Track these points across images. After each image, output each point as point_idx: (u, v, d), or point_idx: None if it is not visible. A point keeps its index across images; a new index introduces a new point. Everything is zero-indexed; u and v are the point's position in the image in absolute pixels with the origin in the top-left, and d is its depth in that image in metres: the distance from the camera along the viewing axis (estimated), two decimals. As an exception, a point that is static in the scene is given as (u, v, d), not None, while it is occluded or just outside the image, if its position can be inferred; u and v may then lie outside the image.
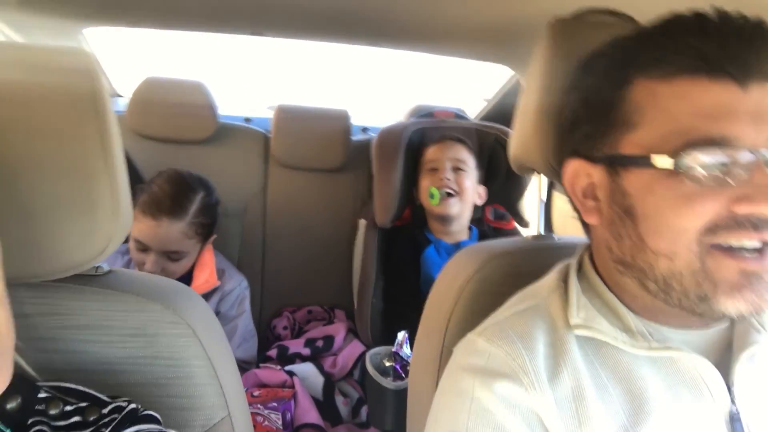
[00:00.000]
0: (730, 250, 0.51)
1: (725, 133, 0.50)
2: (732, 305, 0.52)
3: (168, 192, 1.47)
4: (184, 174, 1.56)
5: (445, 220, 1.63)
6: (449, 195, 1.58)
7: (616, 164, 0.57)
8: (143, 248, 1.45)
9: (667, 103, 0.53)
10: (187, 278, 1.56)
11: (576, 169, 0.62)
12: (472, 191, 1.64)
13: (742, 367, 0.58)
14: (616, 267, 0.60)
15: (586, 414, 0.56)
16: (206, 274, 1.56)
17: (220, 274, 1.61)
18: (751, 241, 0.51)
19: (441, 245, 1.64)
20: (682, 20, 0.54)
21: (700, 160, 0.50)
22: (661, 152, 0.52)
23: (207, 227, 1.56)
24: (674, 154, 0.51)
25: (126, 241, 1.59)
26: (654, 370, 0.58)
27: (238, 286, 1.66)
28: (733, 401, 0.57)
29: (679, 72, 0.52)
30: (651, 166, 0.52)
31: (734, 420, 0.56)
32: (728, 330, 0.61)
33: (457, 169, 1.62)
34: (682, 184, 0.51)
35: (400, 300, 1.61)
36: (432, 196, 1.58)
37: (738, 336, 0.60)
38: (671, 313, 0.58)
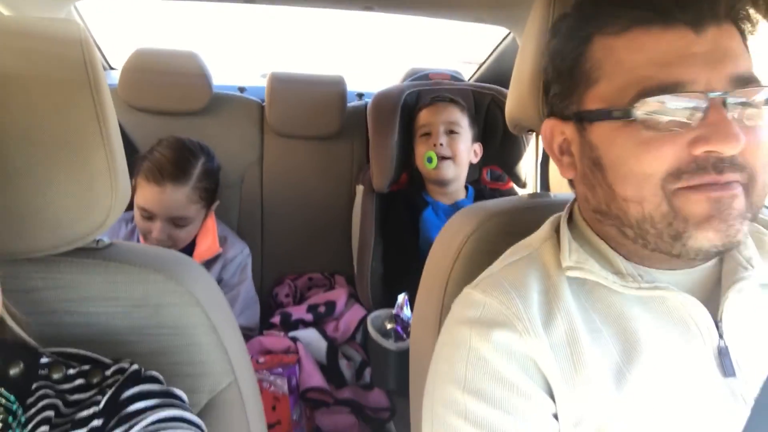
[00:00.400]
0: (694, 187, 0.53)
1: (678, 78, 0.52)
2: (704, 237, 0.53)
3: (170, 158, 1.47)
4: (184, 140, 1.55)
5: (441, 183, 1.64)
6: (443, 158, 1.58)
7: (582, 119, 0.59)
8: (149, 216, 1.46)
9: (623, 55, 0.55)
10: (190, 245, 1.58)
11: (551, 127, 0.65)
12: (467, 153, 1.64)
13: (729, 303, 0.60)
14: (595, 216, 0.63)
15: (581, 356, 0.58)
16: (209, 241, 1.58)
17: (222, 241, 1.62)
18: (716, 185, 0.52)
19: (439, 206, 1.65)
20: None
21: (655, 107, 0.52)
22: (619, 104, 0.54)
23: (210, 192, 1.56)
24: (630, 103, 0.53)
25: (129, 208, 1.60)
26: (644, 309, 0.60)
27: (240, 253, 1.67)
28: (721, 336, 0.59)
29: (632, 24, 0.54)
30: (611, 117, 0.55)
31: (723, 355, 0.58)
32: (716, 268, 0.63)
33: (450, 132, 1.61)
34: (640, 131, 0.53)
35: (400, 263, 1.63)
36: (429, 160, 1.58)
37: (725, 273, 0.62)
38: (656, 257, 0.59)
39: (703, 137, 0.51)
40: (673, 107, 0.52)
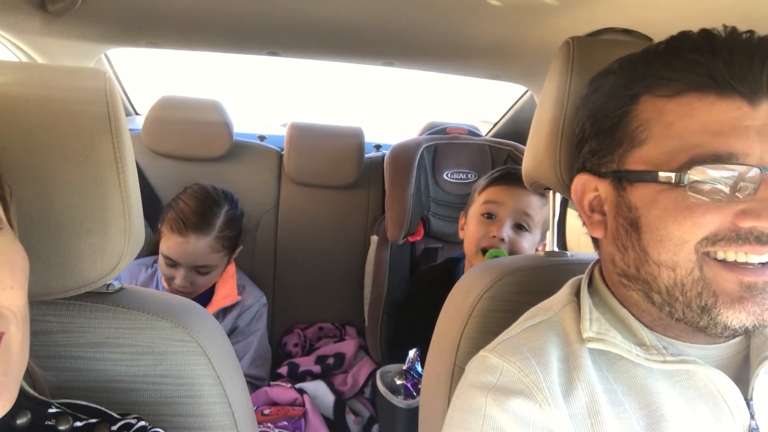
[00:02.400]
0: (726, 263, 0.52)
1: (732, 149, 0.51)
2: (734, 317, 0.52)
3: (194, 208, 1.50)
4: (208, 188, 1.59)
5: None
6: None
7: (622, 179, 0.58)
8: (172, 264, 1.48)
9: (674, 120, 0.54)
10: (209, 291, 1.59)
11: (584, 183, 0.63)
12: (531, 252, 1.33)
13: (760, 380, 0.57)
14: (621, 280, 0.61)
15: (602, 430, 0.55)
16: (228, 289, 1.60)
17: (241, 289, 1.64)
18: (757, 256, 0.51)
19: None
20: (689, 38, 0.55)
21: (705, 175, 0.51)
22: (667, 168, 0.53)
23: (233, 239, 1.58)
24: (679, 169, 0.52)
25: (152, 253, 1.62)
26: (670, 384, 0.58)
27: (257, 302, 1.68)
28: (752, 416, 0.56)
29: (686, 89, 0.53)
30: (656, 180, 0.53)
31: None
32: (744, 343, 0.60)
33: (519, 226, 1.31)
34: (685, 196, 0.52)
35: (414, 326, 1.46)
36: (483, 253, 1.31)
37: (755, 349, 0.59)
38: (681, 329, 0.57)
39: (754, 211, 0.50)
40: (723, 177, 0.51)
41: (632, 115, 0.57)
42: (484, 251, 1.31)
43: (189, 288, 1.50)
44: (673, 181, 0.52)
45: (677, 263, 0.53)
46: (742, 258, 0.51)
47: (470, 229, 1.36)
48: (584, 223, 0.65)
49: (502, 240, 1.28)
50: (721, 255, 0.52)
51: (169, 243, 1.47)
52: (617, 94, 0.59)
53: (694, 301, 0.53)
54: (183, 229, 1.46)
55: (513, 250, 1.28)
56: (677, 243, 0.52)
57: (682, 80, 0.53)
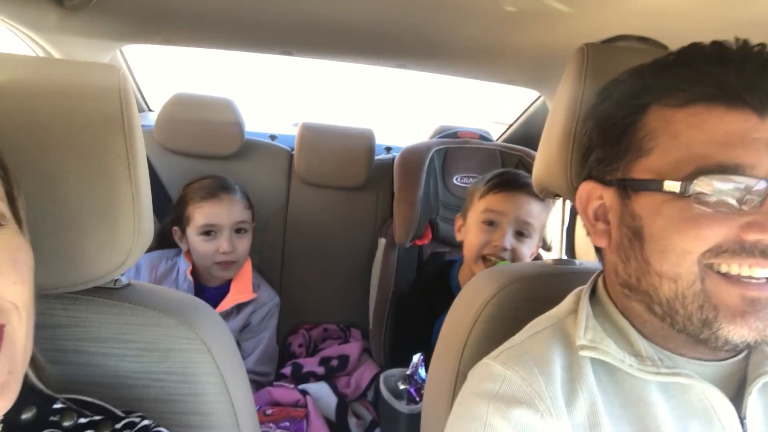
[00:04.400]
0: (728, 277, 0.51)
1: (739, 160, 0.50)
2: (736, 332, 0.51)
3: (212, 180, 1.62)
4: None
5: None
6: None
7: (627, 188, 0.57)
8: (213, 231, 1.56)
9: (681, 130, 0.53)
10: (225, 288, 1.63)
11: (589, 191, 0.63)
12: (530, 258, 1.36)
13: (753, 399, 0.56)
14: (623, 290, 0.60)
15: None
16: (244, 286, 1.64)
17: (256, 288, 1.68)
18: (762, 269, 0.50)
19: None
20: (700, 49, 0.55)
21: (711, 186, 0.50)
22: (673, 178, 0.52)
23: (252, 209, 1.68)
24: (685, 179, 0.51)
25: (170, 246, 1.66)
26: (665, 397, 0.57)
27: (271, 300, 1.72)
28: None
29: (695, 100, 0.53)
30: (661, 190, 0.53)
31: None
32: (744, 361, 0.60)
33: (519, 233, 1.32)
34: (690, 207, 0.51)
35: (418, 329, 1.46)
36: (486, 260, 1.31)
37: (752, 366, 0.58)
38: (682, 341, 0.57)
39: (759, 224, 0.49)
40: (729, 188, 0.50)
41: (640, 124, 0.56)
42: (484, 258, 1.32)
43: (233, 255, 1.57)
44: (678, 191, 0.51)
45: (679, 275, 0.52)
46: (746, 271, 0.51)
47: (471, 236, 1.36)
48: (588, 233, 0.65)
49: (505, 249, 1.28)
50: (724, 268, 0.51)
51: (205, 210, 1.55)
52: (626, 103, 0.59)
53: (695, 315, 0.52)
54: (214, 193, 1.57)
55: (514, 258, 1.30)
56: (680, 254, 0.52)
57: (692, 90, 0.53)
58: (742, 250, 0.50)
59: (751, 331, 0.51)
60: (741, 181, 0.50)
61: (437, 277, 1.51)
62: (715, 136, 0.51)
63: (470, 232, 1.37)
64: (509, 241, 1.29)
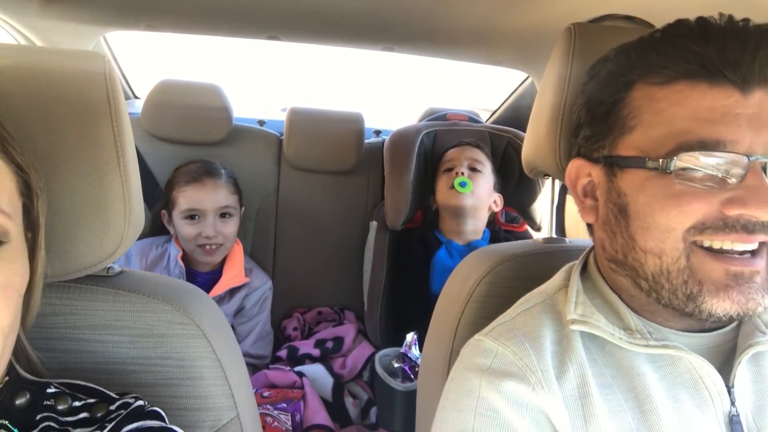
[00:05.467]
0: (712, 251, 0.52)
1: (720, 136, 0.50)
2: (719, 305, 0.52)
3: (198, 165, 1.63)
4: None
5: (459, 215, 1.62)
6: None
7: (613, 165, 0.58)
8: (197, 215, 1.56)
9: (664, 106, 0.54)
10: (217, 272, 1.64)
11: (577, 168, 0.64)
12: (487, 193, 1.64)
13: (742, 368, 0.58)
14: (610, 265, 0.61)
15: (592, 411, 0.56)
16: (236, 270, 1.65)
17: (248, 272, 1.69)
18: (743, 244, 0.51)
19: (452, 246, 1.64)
20: (684, 26, 0.55)
21: (693, 162, 0.51)
22: (655, 154, 0.53)
23: (239, 192, 1.69)
24: (667, 155, 0.52)
25: (160, 233, 1.67)
26: (653, 368, 0.58)
27: (264, 285, 1.74)
28: (733, 403, 0.57)
29: (677, 77, 0.53)
30: (645, 167, 0.54)
31: (734, 422, 0.56)
32: (734, 332, 0.61)
33: (473, 169, 1.64)
34: (672, 184, 0.52)
35: (411, 301, 1.61)
36: (463, 184, 1.59)
37: (742, 337, 0.60)
38: (669, 314, 0.58)
39: (740, 199, 0.50)
40: (710, 164, 0.51)
41: (625, 102, 0.57)
42: (452, 188, 1.61)
43: (219, 238, 1.57)
44: (659, 167, 0.52)
45: (663, 251, 0.53)
46: (728, 246, 0.51)
47: (439, 185, 1.68)
48: (578, 209, 0.66)
49: (463, 174, 1.61)
50: (707, 243, 0.52)
51: (189, 194, 1.56)
52: (612, 81, 0.59)
53: (679, 289, 0.53)
54: (198, 177, 1.58)
55: (473, 187, 1.60)
56: (663, 231, 0.53)
57: (674, 68, 0.53)
58: (724, 225, 0.51)
59: (733, 305, 0.52)
60: (722, 157, 0.50)
61: (423, 225, 1.77)
62: (697, 112, 0.52)
63: (438, 183, 1.68)
64: (464, 169, 1.62)
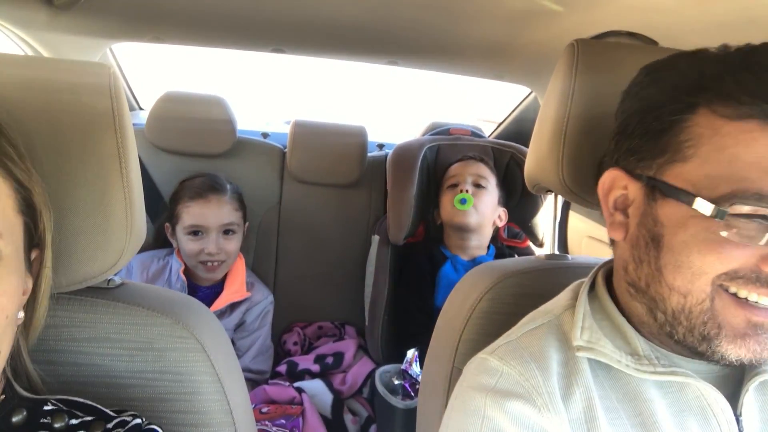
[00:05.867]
0: (737, 298, 0.50)
1: None
2: (733, 351, 0.51)
3: (203, 179, 1.63)
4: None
5: (463, 231, 1.62)
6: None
7: (656, 189, 0.54)
8: (200, 231, 1.56)
9: (728, 144, 0.49)
10: (219, 287, 1.63)
11: (614, 178, 0.60)
12: (491, 209, 1.64)
13: (749, 397, 0.57)
14: (628, 289, 0.59)
15: None
16: (237, 285, 1.64)
17: (249, 287, 1.69)
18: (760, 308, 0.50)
19: (458, 261, 1.63)
20: None
21: (743, 212, 0.48)
22: (707, 195, 0.49)
23: (244, 207, 1.69)
24: (718, 200, 0.49)
25: (163, 246, 1.67)
26: (661, 393, 0.57)
27: (265, 299, 1.72)
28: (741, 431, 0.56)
29: (750, 116, 0.49)
30: (691, 205, 0.50)
31: None
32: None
33: (477, 185, 1.63)
34: (716, 229, 0.49)
35: (412, 318, 1.60)
36: (463, 201, 1.58)
37: (749, 365, 0.58)
38: (680, 349, 0.57)
39: None
40: (761, 218, 0.48)
41: (685, 125, 0.52)
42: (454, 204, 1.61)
43: (221, 255, 1.57)
44: (709, 214, 0.49)
45: (690, 291, 0.52)
46: (754, 298, 0.50)
47: (443, 202, 1.67)
48: (607, 224, 0.63)
49: (467, 191, 1.60)
50: (734, 290, 0.50)
51: (193, 211, 1.55)
52: (676, 97, 0.54)
53: (697, 329, 0.52)
54: (203, 193, 1.57)
55: (477, 203, 1.60)
56: (696, 273, 0.51)
57: (749, 105, 0.48)
58: (757, 279, 0.49)
59: (748, 353, 0.51)
60: None
61: (426, 240, 1.77)
62: (762, 159, 0.48)
63: (442, 199, 1.68)
64: (469, 188, 1.62)
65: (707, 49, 0.55)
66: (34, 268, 0.55)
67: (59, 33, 1.50)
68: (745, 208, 0.48)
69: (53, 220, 0.57)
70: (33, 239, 0.54)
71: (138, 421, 0.56)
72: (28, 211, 0.52)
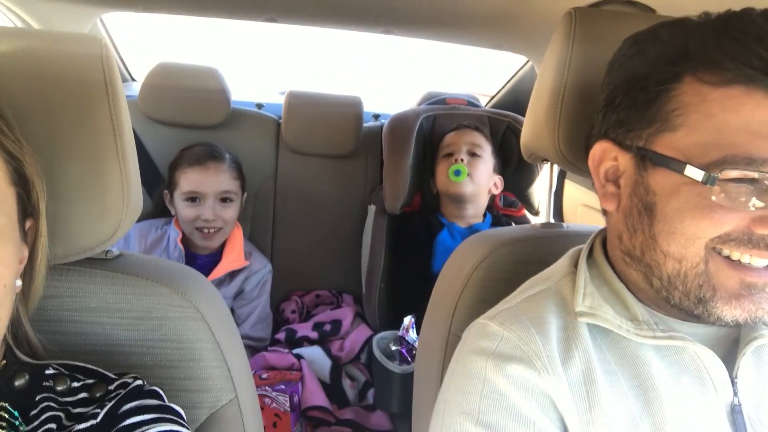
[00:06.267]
0: (730, 260, 0.51)
1: None
2: (729, 312, 0.52)
3: (203, 148, 1.65)
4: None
5: (459, 201, 1.63)
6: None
7: (646, 159, 0.55)
8: (197, 198, 1.57)
9: (715, 111, 0.50)
10: (217, 255, 1.65)
11: (604, 150, 0.60)
12: (487, 177, 1.65)
13: (746, 360, 0.58)
14: (623, 257, 0.60)
15: (596, 397, 0.56)
16: (235, 254, 1.66)
17: (248, 255, 1.70)
18: (762, 259, 0.51)
19: (454, 229, 1.64)
20: (751, 20, 0.50)
21: (733, 177, 0.48)
22: (697, 162, 0.50)
23: (242, 177, 1.70)
24: (709, 167, 0.49)
25: (161, 215, 1.68)
26: (659, 357, 0.59)
27: (263, 268, 1.74)
28: (735, 393, 0.57)
29: (735, 81, 0.49)
30: (682, 172, 0.51)
31: (735, 412, 0.57)
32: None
33: (472, 154, 1.63)
34: (708, 195, 0.50)
35: (409, 284, 1.62)
36: (458, 173, 1.59)
37: (746, 329, 0.60)
38: (676, 313, 0.58)
39: None
40: (751, 178, 0.48)
41: (671, 94, 0.53)
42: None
43: (218, 222, 1.58)
44: (700, 179, 0.49)
45: (684, 256, 0.53)
46: (746, 259, 0.51)
47: (439, 170, 1.68)
48: (599, 195, 0.63)
49: (462, 160, 1.60)
50: (726, 252, 0.51)
51: (191, 177, 1.57)
52: (661, 67, 0.54)
53: (692, 292, 0.53)
54: (201, 160, 1.59)
55: (472, 169, 1.61)
56: (689, 238, 0.52)
57: (734, 70, 0.49)
58: (749, 240, 0.50)
59: (743, 312, 0.52)
60: (764, 176, 0.48)
61: (422, 209, 1.77)
62: (749, 123, 0.48)
63: (438, 168, 1.68)
64: (464, 156, 1.62)
65: (688, 17, 0.55)
66: (29, 237, 0.56)
67: (48, 3, 1.47)
68: (735, 173, 0.48)
69: (48, 191, 0.57)
70: (27, 209, 0.54)
71: (139, 382, 0.58)
72: (20, 181, 0.52)
